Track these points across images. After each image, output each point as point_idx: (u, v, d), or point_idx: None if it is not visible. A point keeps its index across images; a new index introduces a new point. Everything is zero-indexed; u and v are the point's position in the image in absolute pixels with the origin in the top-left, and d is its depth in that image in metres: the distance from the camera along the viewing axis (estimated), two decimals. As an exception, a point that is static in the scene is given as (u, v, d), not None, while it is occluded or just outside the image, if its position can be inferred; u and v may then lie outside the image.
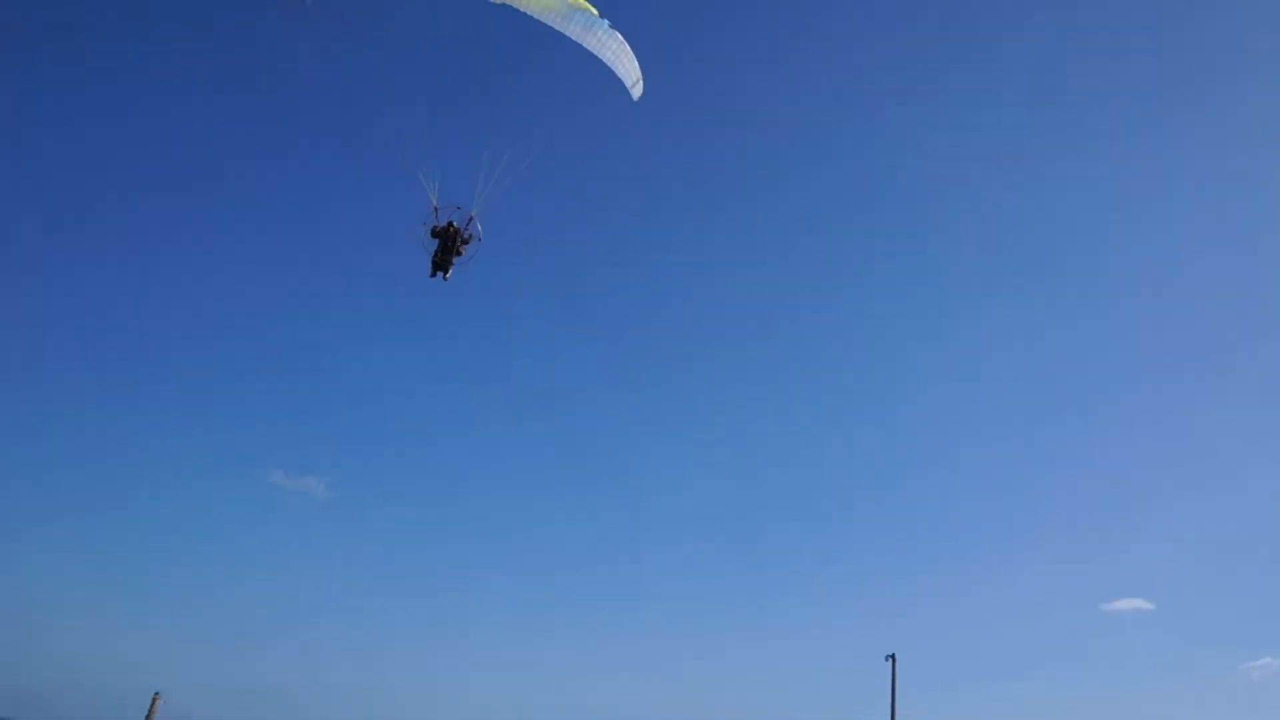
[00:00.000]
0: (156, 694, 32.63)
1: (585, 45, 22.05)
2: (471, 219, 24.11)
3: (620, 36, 23.46)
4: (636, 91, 23.97)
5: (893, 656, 43.50)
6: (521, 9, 21.24)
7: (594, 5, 23.11)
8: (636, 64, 24.03)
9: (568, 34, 21.66)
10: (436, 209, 23.86)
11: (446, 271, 23.84)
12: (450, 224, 23.98)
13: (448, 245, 23.91)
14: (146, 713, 32.69)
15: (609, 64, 22.64)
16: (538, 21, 21.43)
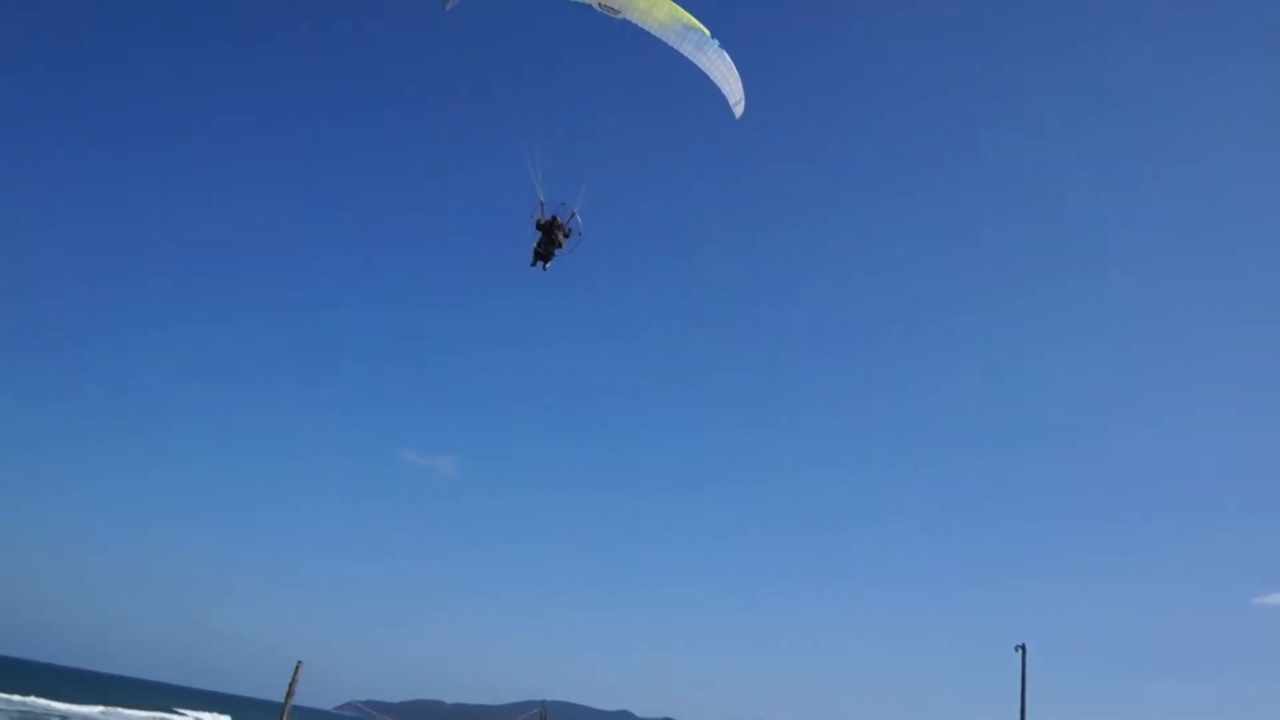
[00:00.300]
0: (299, 663, 34.47)
1: (696, 63, 23.60)
2: (574, 215, 25.73)
3: (728, 57, 24.93)
4: (739, 110, 25.41)
5: (1023, 647, 41.99)
6: (641, 25, 22.89)
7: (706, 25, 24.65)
8: (740, 84, 25.46)
9: (681, 51, 23.24)
10: (542, 203, 25.56)
11: (547, 262, 25.48)
12: (554, 218, 25.62)
13: (550, 237, 25.54)
14: (290, 679, 34.43)
15: (716, 82, 24.15)
16: (654, 38, 23.05)
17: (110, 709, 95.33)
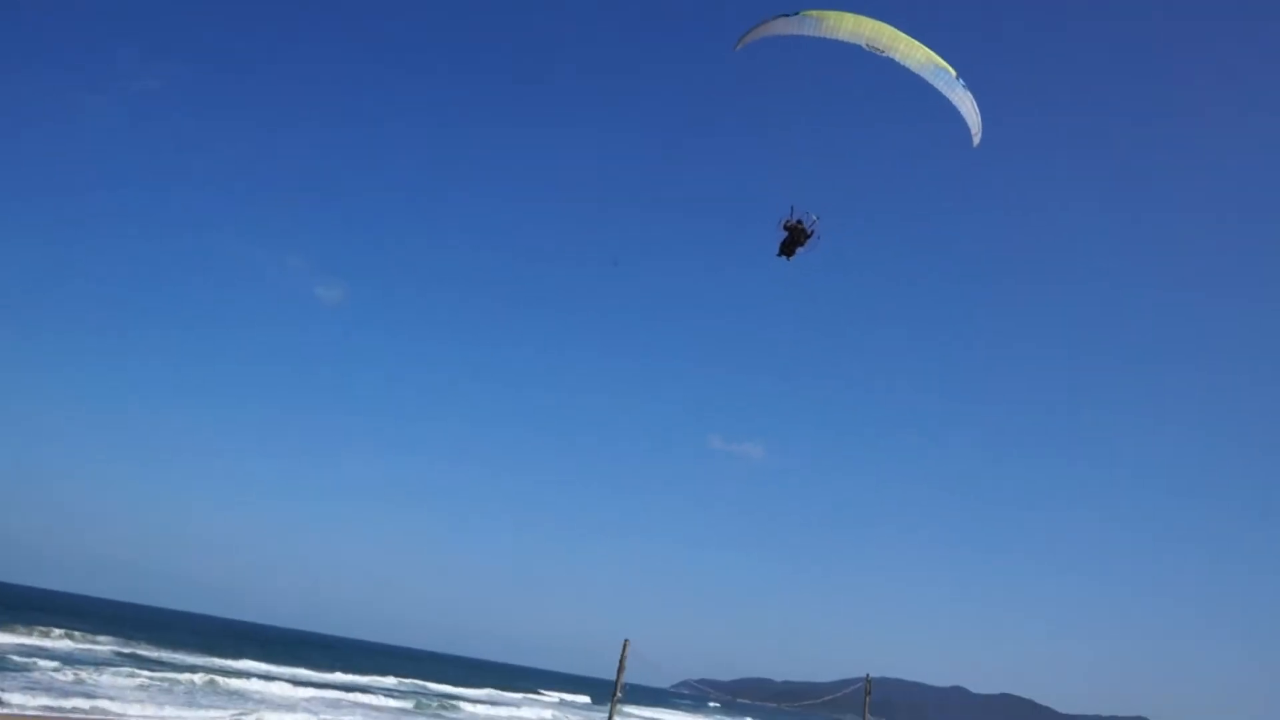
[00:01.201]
0: (626, 640, 38.83)
1: (947, 97, 27.30)
2: (815, 220, 30.04)
3: (971, 94, 28.48)
4: (977, 139, 28.88)
5: None
6: (901, 63, 26.84)
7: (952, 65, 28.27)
8: (979, 118, 28.91)
9: (935, 86, 27.02)
10: (793, 208, 30.00)
11: (790, 255, 29.95)
12: (799, 221, 30.01)
13: (794, 238, 30.02)
14: (620, 657, 38.71)
15: (962, 114, 27.74)
16: (910, 73, 26.94)
17: (492, 691, 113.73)
